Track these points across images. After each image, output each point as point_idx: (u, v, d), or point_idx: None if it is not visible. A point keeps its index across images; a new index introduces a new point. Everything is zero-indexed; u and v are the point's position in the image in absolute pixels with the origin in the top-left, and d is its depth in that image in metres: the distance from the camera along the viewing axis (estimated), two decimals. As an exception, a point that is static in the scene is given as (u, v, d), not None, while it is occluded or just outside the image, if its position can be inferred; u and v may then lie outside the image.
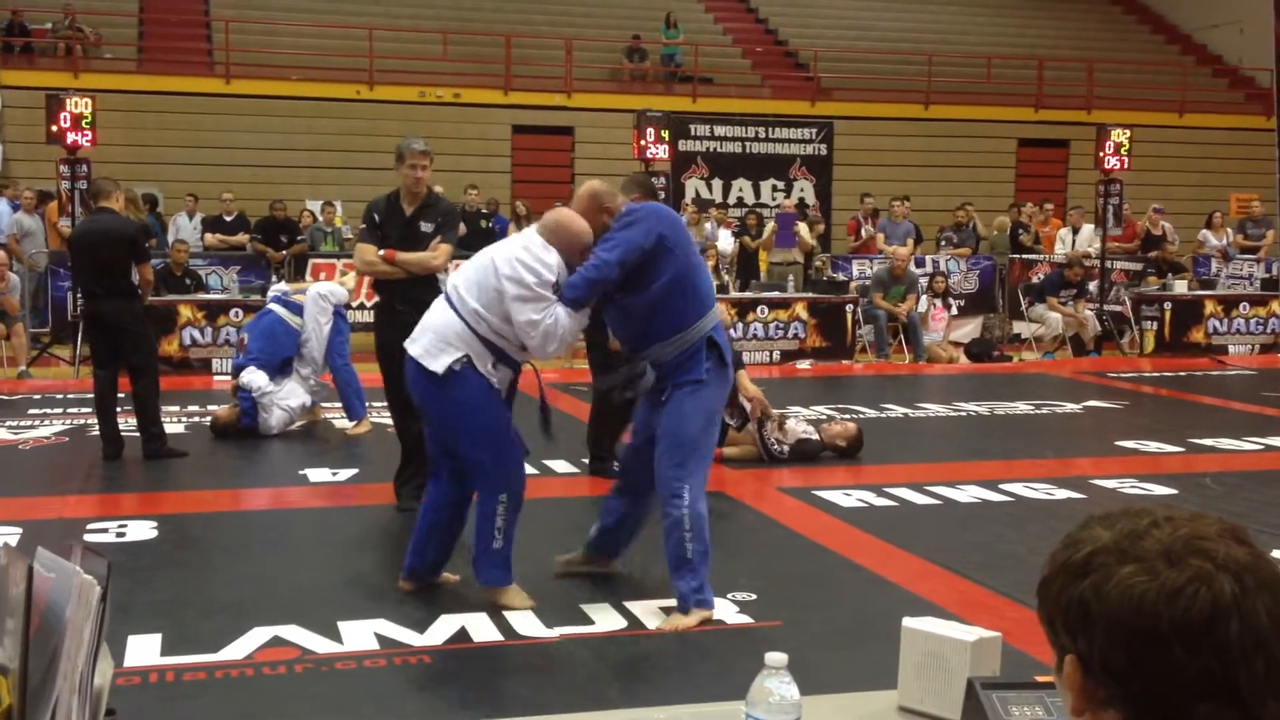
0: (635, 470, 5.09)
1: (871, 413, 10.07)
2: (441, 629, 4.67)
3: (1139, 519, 1.23)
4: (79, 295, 10.25)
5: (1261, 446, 8.75)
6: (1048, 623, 1.27)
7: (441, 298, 4.97)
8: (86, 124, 12.47)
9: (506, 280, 4.66)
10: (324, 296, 9.08)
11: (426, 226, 6.49)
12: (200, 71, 20.86)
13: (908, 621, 2.25)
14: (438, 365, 4.72)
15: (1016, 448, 8.79)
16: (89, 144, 12.61)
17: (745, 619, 4.85)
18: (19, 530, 6.04)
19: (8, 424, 9.14)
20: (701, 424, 4.74)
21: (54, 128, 12.52)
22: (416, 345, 4.82)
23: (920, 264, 15.55)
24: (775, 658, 1.75)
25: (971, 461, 8.21)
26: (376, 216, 6.53)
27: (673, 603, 4.93)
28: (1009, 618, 4.55)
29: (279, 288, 9.99)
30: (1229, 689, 1.15)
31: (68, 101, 12.49)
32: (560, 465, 7.75)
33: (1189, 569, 1.17)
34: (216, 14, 21.81)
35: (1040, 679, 1.95)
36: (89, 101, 12.62)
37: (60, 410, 9.78)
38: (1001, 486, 7.23)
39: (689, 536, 4.69)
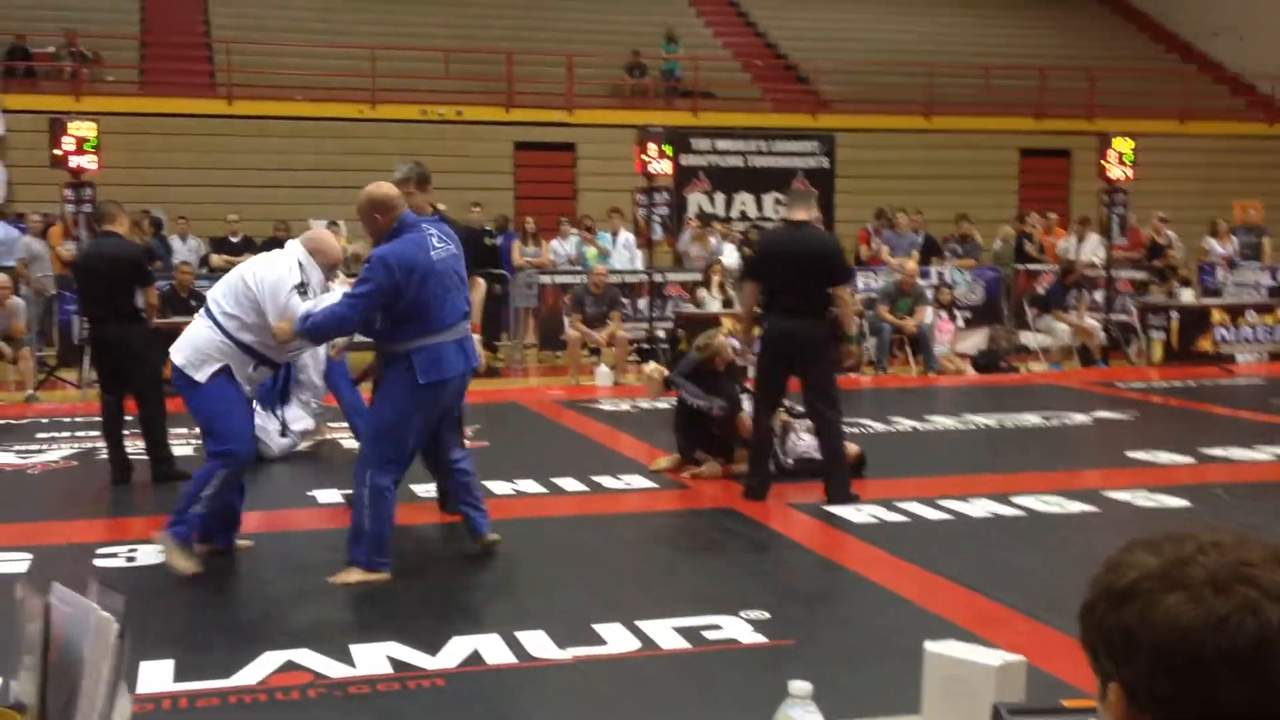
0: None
1: (879, 426, 10.03)
2: (454, 651, 4.64)
3: (1184, 545, 1.21)
4: (85, 319, 10.23)
5: (1273, 456, 8.71)
6: (1090, 649, 1.25)
7: (200, 313, 5.92)
8: (90, 147, 12.47)
9: (265, 287, 5.65)
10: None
11: None
12: (203, 93, 20.91)
13: (930, 645, 2.22)
14: (201, 375, 5.71)
15: (1027, 460, 8.75)
16: (93, 167, 12.61)
17: (759, 638, 4.82)
18: (30, 556, 6.02)
19: (16, 448, 9.12)
20: (389, 416, 5.64)
21: (57, 151, 12.53)
22: (180, 355, 5.78)
23: (925, 275, 15.54)
24: (800, 686, 1.73)
25: (982, 475, 8.17)
26: None
27: (686, 622, 4.95)
28: (1026, 634, 4.52)
29: None
30: (1276, 716, 1.14)
31: (70, 125, 12.49)
32: (569, 484, 7.74)
33: (1236, 596, 1.15)
34: (218, 35, 21.86)
35: (1068, 703, 1.92)
36: (92, 125, 12.61)
37: (68, 434, 9.76)
38: (1013, 500, 7.20)
39: (367, 512, 5.61)
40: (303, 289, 5.68)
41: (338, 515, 7.08)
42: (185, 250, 16.09)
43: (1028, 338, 15.36)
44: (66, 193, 12.93)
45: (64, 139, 12.42)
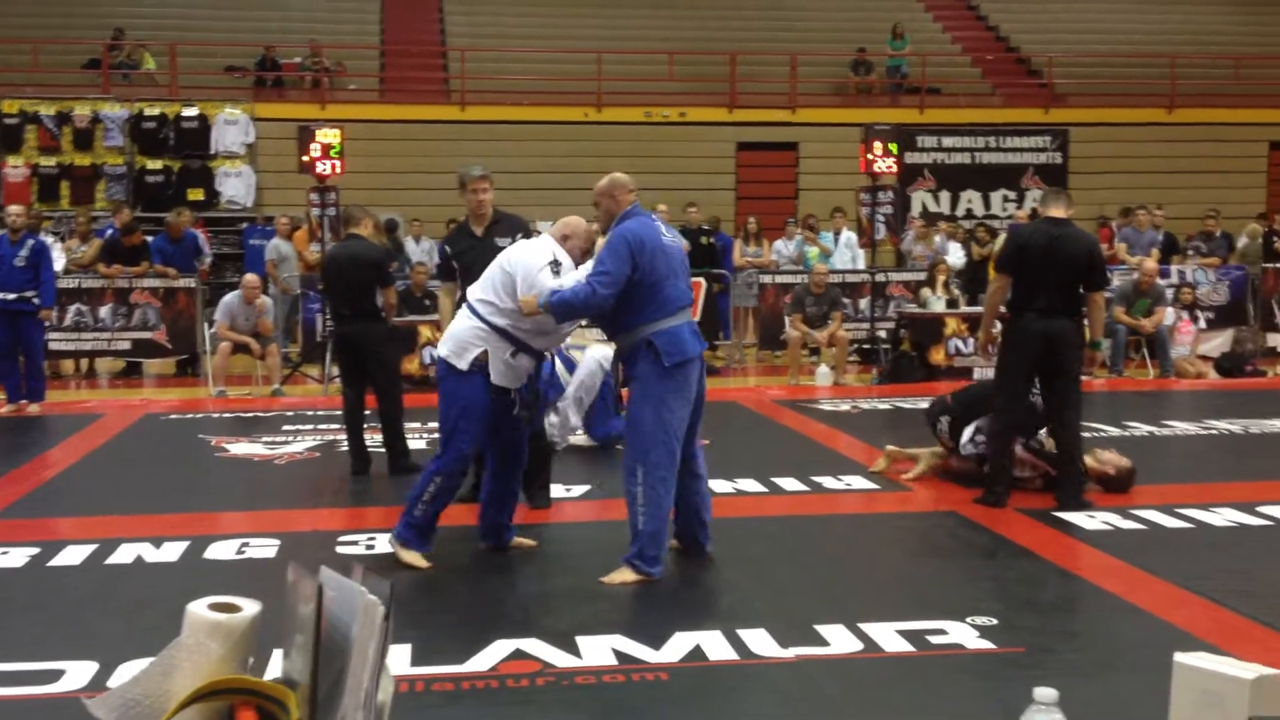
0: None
1: (1114, 430, 9.67)
2: (677, 646, 4.70)
3: None
4: (328, 317, 10.70)
5: None
6: None
7: (463, 308, 6.00)
8: (335, 154, 13.10)
9: (519, 266, 5.72)
10: (603, 367, 8.81)
11: (503, 241, 6.71)
12: (437, 99, 21.68)
13: (1180, 657, 2.15)
14: (463, 363, 5.80)
15: (1274, 468, 8.29)
16: (337, 173, 13.23)
17: (986, 644, 4.72)
18: (278, 541, 6.38)
19: (264, 440, 9.67)
20: (650, 410, 5.58)
21: (305, 158, 13.20)
22: (444, 348, 5.92)
23: (1166, 274, 14.88)
24: (1045, 693, 1.70)
25: (1224, 482, 7.79)
26: (448, 249, 7.07)
27: (910, 625, 4.90)
28: (1277, 650, 4.29)
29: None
30: None
31: (318, 133, 13.14)
32: (789, 482, 7.72)
33: None
34: (453, 43, 22.64)
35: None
36: (338, 132, 13.24)
37: (311, 427, 10.29)
38: (1259, 509, 6.84)
39: (641, 511, 5.57)
40: (555, 266, 5.72)
41: (562, 509, 7.25)
42: (419, 252, 16.70)
43: (1276, 340, 14.53)
44: (312, 197, 13.62)
45: (311, 145, 13.08)
